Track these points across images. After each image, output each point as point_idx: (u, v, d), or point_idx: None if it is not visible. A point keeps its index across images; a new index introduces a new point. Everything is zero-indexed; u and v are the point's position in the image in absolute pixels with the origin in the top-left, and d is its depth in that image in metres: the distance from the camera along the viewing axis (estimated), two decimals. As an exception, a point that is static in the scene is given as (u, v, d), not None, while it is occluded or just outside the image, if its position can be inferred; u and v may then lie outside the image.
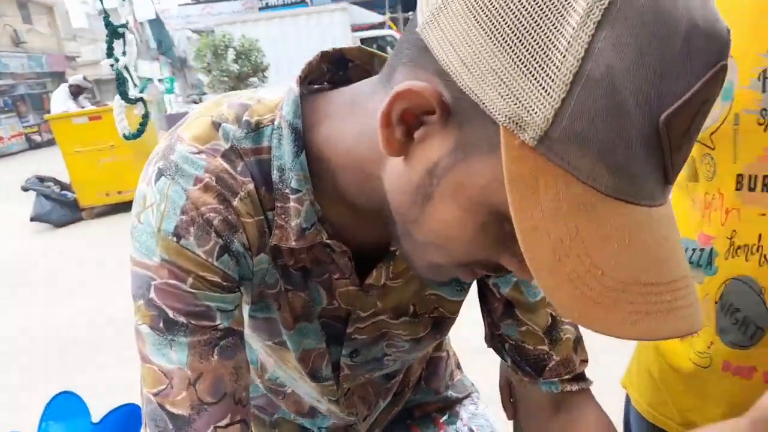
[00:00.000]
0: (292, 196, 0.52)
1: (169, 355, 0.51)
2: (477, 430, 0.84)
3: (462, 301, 0.66)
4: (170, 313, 0.50)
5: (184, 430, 0.50)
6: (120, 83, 0.74)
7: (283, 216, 0.53)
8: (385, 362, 0.67)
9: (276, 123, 0.53)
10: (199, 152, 0.51)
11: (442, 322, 0.66)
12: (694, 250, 0.76)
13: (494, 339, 0.68)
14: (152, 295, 0.51)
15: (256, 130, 0.53)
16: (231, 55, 7.93)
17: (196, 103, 17.40)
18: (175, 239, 0.49)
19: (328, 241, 0.54)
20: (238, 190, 0.51)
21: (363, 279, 0.59)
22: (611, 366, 0.94)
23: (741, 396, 0.72)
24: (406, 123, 0.41)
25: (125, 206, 7.48)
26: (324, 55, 0.54)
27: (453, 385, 0.89)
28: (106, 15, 2.90)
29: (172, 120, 15.58)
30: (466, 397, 0.89)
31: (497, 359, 0.73)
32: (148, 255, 0.50)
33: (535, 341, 0.65)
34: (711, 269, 0.73)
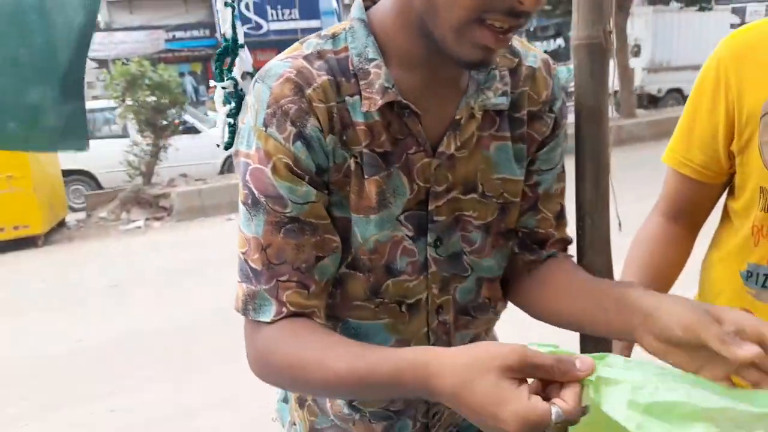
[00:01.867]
0: (371, 67, 0.68)
1: (251, 226, 0.69)
2: None
3: (521, 181, 0.77)
4: (257, 194, 0.68)
5: (257, 278, 0.70)
6: (237, 102, 0.68)
7: (368, 89, 0.68)
8: (464, 263, 0.77)
9: (348, 26, 0.71)
10: (286, 59, 0.69)
11: (506, 209, 0.77)
12: (766, 275, 0.79)
13: (529, 248, 0.82)
14: (247, 177, 0.69)
15: (333, 37, 0.71)
16: (146, 86, 7.55)
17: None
18: (264, 128, 0.67)
19: (404, 101, 0.68)
20: (312, 81, 0.67)
21: (434, 152, 0.72)
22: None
23: None
24: None
25: (23, 244, 6.74)
26: None
27: None
28: (228, 37, 2.68)
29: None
30: None
31: None
32: (248, 145, 0.69)
33: (546, 225, 0.81)
34: None
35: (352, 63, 0.69)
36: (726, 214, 0.91)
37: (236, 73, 0.75)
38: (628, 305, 0.67)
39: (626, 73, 10.10)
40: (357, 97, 0.69)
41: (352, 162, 0.70)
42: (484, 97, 0.72)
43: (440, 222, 0.74)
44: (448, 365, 0.57)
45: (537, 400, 0.53)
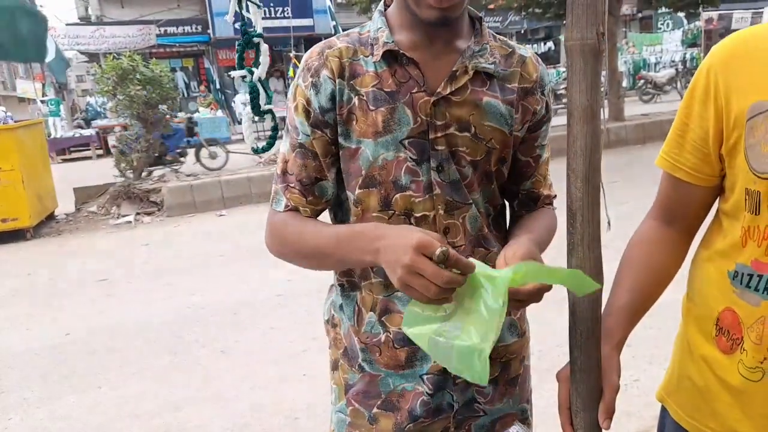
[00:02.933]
0: (379, 33, 0.95)
1: (284, 144, 1.00)
2: None
3: (509, 135, 0.96)
4: (287, 122, 1.00)
5: (278, 179, 1.01)
6: (253, 96, 0.66)
7: (377, 48, 0.94)
8: (464, 192, 0.95)
9: (373, 17, 0.99)
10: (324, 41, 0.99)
11: (491, 153, 0.96)
12: (751, 275, 0.82)
13: (512, 196, 1.07)
14: (288, 114, 1.00)
15: (362, 27, 0.99)
16: (137, 80, 7.49)
17: (82, 127, 16.18)
18: (298, 80, 0.97)
19: (403, 52, 0.92)
20: (334, 46, 0.95)
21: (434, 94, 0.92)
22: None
23: None
24: None
25: (11, 237, 6.67)
26: None
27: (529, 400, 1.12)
28: (243, 24, 2.67)
29: (57, 144, 14.39)
30: (525, 419, 1.09)
31: (549, 383, 0.93)
32: (290, 92, 0.99)
33: (539, 186, 1.05)
34: None
35: (369, 37, 0.96)
36: (717, 215, 0.93)
37: (261, 70, 0.75)
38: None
39: (614, 77, 10.17)
40: (370, 56, 0.94)
41: (356, 99, 0.93)
42: (476, 61, 0.93)
43: (440, 151, 0.93)
44: (389, 229, 0.83)
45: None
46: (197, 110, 15.25)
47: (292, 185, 0.97)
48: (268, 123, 3.19)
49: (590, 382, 0.86)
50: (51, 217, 7.49)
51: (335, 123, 0.94)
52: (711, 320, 0.90)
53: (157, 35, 17.53)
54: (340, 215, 1.03)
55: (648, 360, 2.74)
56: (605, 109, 0.84)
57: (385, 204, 0.94)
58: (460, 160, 0.94)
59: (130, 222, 7.18)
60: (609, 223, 0.89)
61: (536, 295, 0.80)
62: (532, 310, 1.01)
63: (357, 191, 0.95)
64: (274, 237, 0.99)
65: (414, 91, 0.91)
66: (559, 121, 1.10)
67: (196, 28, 18.44)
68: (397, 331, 0.97)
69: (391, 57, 0.92)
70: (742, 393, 0.85)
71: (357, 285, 1.01)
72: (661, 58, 18.55)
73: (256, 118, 2.71)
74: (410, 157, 0.92)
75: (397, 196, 0.93)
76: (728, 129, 0.82)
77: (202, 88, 18.01)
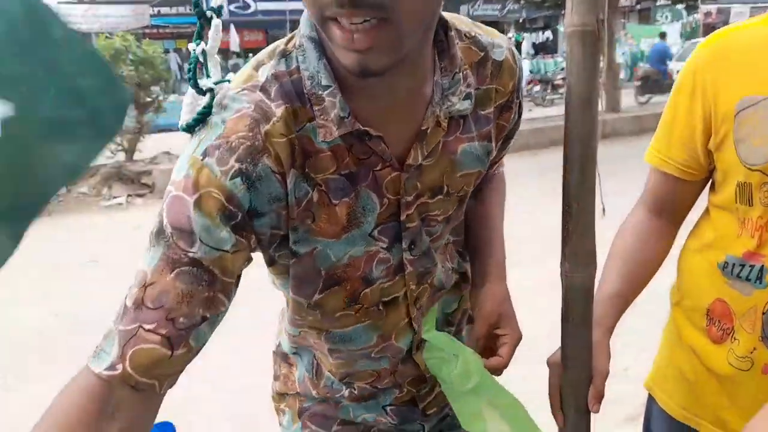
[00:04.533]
0: (325, 94, 0.64)
1: (146, 257, 0.61)
2: None
3: (482, 172, 0.81)
4: (165, 223, 0.60)
5: (121, 316, 0.59)
6: (189, 68, 0.60)
7: (322, 116, 0.64)
8: (432, 254, 0.80)
9: (298, 43, 0.66)
10: (242, 90, 0.65)
11: (463, 199, 0.81)
12: (742, 266, 0.84)
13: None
14: (165, 204, 0.61)
15: (285, 56, 0.66)
16: (130, 61, 7.41)
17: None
18: (201, 157, 0.60)
19: (365, 128, 0.65)
20: (272, 116, 0.63)
21: (402, 165, 0.70)
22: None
23: None
24: None
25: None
26: None
27: None
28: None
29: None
30: None
31: (540, 369, 0.88)
32: (179, 172, 0.61)
33: (494, 165, 0.93)
34: (761, 284, 0.83)
35: (305, 86, 0.65)
36: (707, 208, 0.94)
37: (210, 45, 0.71)
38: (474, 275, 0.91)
39: (612, 68, 10.17)
40: (315, 122, 0.65)
41: (315, 193, 0.67)
42: (449, 104, 0.71)
43: (412, 227, 0.75)
44: None
45: None
46: (191, 92, 15.10)
47: (148, 327, 0.57)
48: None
49: (580, 368, 0.87)
50: (41, 197, 7.43)
51: (272, 230, 0.66)
52: (701, 311, 0.91)
53: (151, 15, 17.31)
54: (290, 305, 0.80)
55: (637, 349, 2.76)
56: (602, 99, 0.84)
57: (352, 300, 0.76)
58: (429, 222, 0.78)
59: (122, 204, 7.14)
60: (603, 210, 0.89)
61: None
62: (524, 298, 1.01)
63: (315, 297, 0.74)
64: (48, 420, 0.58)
65: (377, 168, 0.69)
66: (555, 111, 1.07)
67: (191, 9, 18.23)
68: (362, 385, 0.87)
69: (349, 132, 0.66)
70: (730, 382, 0.86)
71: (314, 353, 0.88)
72: (658, 50, 18.51)
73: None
74: (381, 247, 0.74)
75: (367, 291, 0.76)
76: (716, 124, 0.83)
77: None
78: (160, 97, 8.15)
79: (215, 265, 0.60)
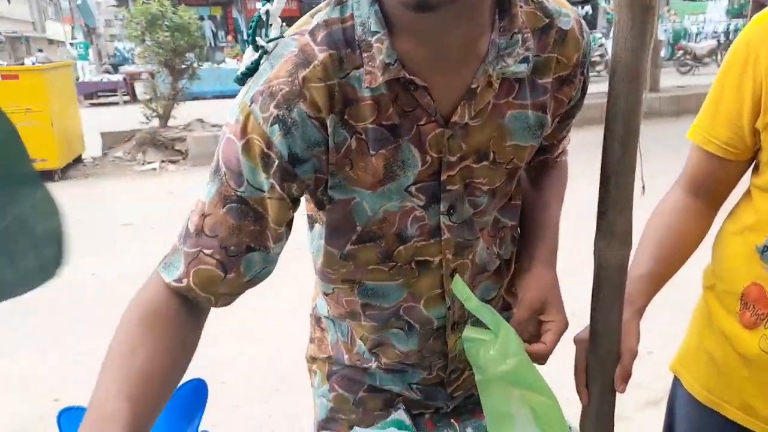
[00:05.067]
0: (373, 40, 0.63)
1: (205, 190, 0.68)
2: None
3: (535, 147, 0.77)
4: (219, 162, 0.67)
5: (185, 239, 0.69)
6: (252, 25, 0.61)
7: (370, 63, 0.64)
8: (475, 226, 0.78)
9: None
10: (293, 35, 0.66)
11: (513, 174, 0.78)
12: None
13: (530, 164, 0.87)
14: (220, 144, 0.67)
15: (340, 3, 0.66)
16: (166, 26, 7.45)
17: (110, 72, 16.23)
18: (249, 103, 0.64)
19: (410, 77, 0.64)
20: (313, 59, 0.63)
21: (447, 123, 0.68)
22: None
23: None
24: None
25: (40, 177, 6.76)
26: None
27: None
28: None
29: (85, 88, 14.47)
30: None
31: (562, 346, 0.85)
32: (232, 116, 0.66)
33: (556, 151, 0.90)
34: None
35: (356, 33, 0.64)
36: (748, 190, 0.91)
37: (276, 5, 0.71)
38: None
39: (653, 45, 9.81)
40: (362, 70, 0.65)
41: (353, 140, 0.67)
42: (503, 65, 0.67)
43: (453, 191, 0.73)
44: None
45: None
46: (224, 60, 15.18)
47: (207, 252, 0.67)
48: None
49: (609, 346, 0.86)
50: (78, 160, 7.62)
51: (316, 175, 0.69)
52: (735, 294, 0.89)
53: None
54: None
55: (663, 333, 2.73)
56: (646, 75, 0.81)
57: (386, 257, 0.76)
58: (473, 191, 0.75)
59: (155, 169, 7.27)
60: (643, 188, 0.87)
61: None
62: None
63: (348, 247, 0.75)
64: (123, 320, 0.67)
65: (422, 122, 0.68)
66: (593, 89, 1.05)
67: (226, -24, 18.18)
68: (389, 362, 0.88)
69: (394, 79, 0.65)
70: (759, 368, 0.85)
71: (345, 318, 0.88)
72: (703, 28, 17.83)
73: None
74: (417, 205, 0.73)
75: (401, 248, 0.76)
76: (766, 102, 0.79)
77: (229, 38, 17.87)
78: (195, 64, 8.20)
79: (259, 205, 0.67)
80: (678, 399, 1.01)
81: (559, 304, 0.83)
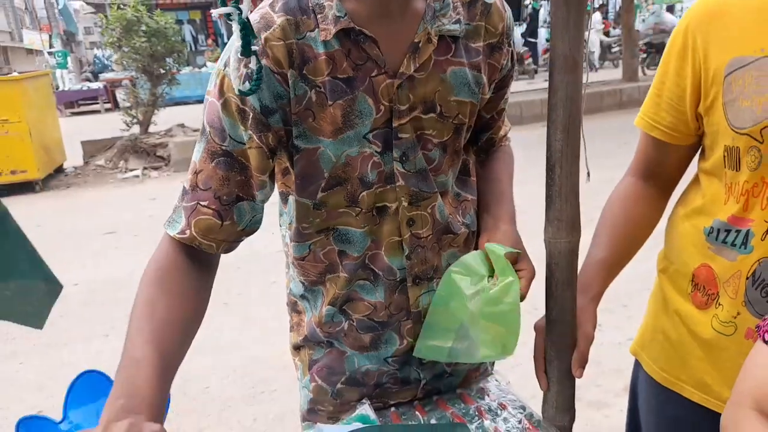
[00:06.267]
0: (324, 1, 0.76)
1: (195, 151, 0.80)
2: (509, 404, 0.95)
3: (476, 105, 0.86)
4: (205, 123, 0.79)
5: (182, 197, 0.81)
6: (245, 33, 0.61)
7: (323, 21, 0.76)
8: (431, 181, 0.86)
9: None
10: (258, 9, 0.77)
11: (460, 129, 0.87)
12: (728, 231, 0.83)
13: (478, 145, 0.99)
14: (204, 108, 0.79)
15: None
16: (143, 32, 7.39)
17: (90, 80, 16.07)
18: (223, 67, 0.77)
19: (360, 28, 0.76)
20: (272, 24, 0.75)
21: (396, 74, 0.79)
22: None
23: None
24: None
25: (20, 189, 6.75)
26: None
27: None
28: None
29: (65, 97, 14.33)
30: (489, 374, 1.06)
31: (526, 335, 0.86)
32: (211, 82, 0.78)
33: (499, 131, 1.00)
34: (746, 249, 0.81)
35: (310, 1, 0.77)
36: (696, 175, 0.93)
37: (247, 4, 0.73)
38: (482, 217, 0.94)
39: (630, 36, 9.88)
40: (317, 30, 0.76)
41: (313, 93, 0.77)
42: (439, 23, 0.80)
43: (405, 139, 0.82)
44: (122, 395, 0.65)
45: None
46: (205, 64, 15.09)
47: (204, 203, 0.78)
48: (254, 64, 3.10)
49: (564, 332, 0.88)
50: (60, 170, 7.55)
51: (284, 126, 0.79)
52: (686, 276, 0.91)
53: (166, -14, 17.17)
54: (284, 217, 0.93)
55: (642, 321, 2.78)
56: (595, 62, 0.82)
57: (352, 201, 0.84)
58: (426, 144, 0.84)
59: (138, 176, 7.22)
60: (588, 174, 0.89)
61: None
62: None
63: (319, 195, 0.83)
64: (141, 282, 0.76)
65: (373, 74, 0.78)
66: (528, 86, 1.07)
67: (204, -20, 18.04)
68: (360, 318, 0.91)
69: (344, 34, 0.76)
70: (713, 347, 0.86)
71: (320, 280, 0.92)
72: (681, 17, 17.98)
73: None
74: (375, 151, 0.82)
75: (365, 193, 0.83)
76: (706, 86, 0.81)
77: (210, 41, 17.76)
78: (173, 69, 8.14)
79: (242, 156, 0.78)
80: (640, 381, 1.03)
81: (525, 255, 0.88)
